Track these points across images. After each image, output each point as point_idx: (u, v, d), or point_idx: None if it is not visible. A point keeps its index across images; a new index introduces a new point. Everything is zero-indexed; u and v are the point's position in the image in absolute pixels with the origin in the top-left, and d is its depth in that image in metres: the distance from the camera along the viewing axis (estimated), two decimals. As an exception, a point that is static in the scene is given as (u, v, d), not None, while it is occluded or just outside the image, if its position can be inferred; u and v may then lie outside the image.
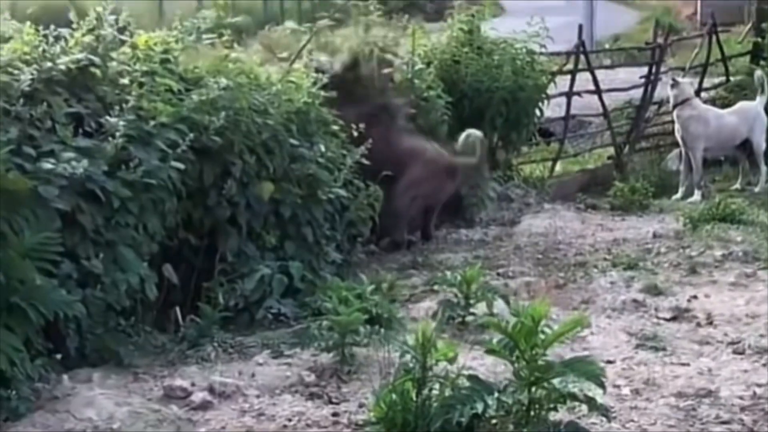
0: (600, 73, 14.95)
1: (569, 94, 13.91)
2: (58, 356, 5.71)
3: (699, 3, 30.65)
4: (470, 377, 4.91)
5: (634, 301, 7.62)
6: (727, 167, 14.51)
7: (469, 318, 7.01)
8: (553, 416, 4.76)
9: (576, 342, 6.56)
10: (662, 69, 15.60)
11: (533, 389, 4.71)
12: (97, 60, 6.65)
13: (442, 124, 10.67)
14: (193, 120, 6.85)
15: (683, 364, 6.34)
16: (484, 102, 11.47)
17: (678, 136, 13.33)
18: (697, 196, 12.69)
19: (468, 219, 10.76)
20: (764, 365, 6.27)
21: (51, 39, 6.58)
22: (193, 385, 5.71)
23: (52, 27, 6.69)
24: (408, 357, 5.03)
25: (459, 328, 6.94)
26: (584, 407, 4.77)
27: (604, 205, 12.12)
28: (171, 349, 6.42)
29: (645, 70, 15.58)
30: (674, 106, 13.28)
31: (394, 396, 4.92)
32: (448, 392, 4.84)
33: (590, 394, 4.63)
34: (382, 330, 6.46)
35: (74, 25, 6.93)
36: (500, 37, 12.09)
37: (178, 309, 6.74)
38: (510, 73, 11.63)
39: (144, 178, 6.26)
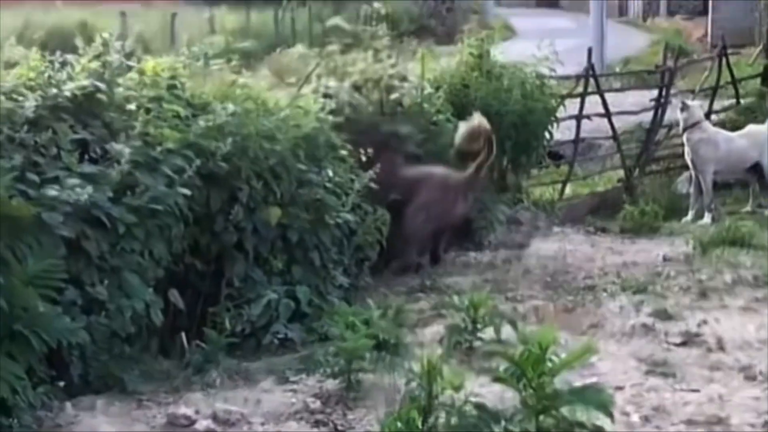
0: (610, 96, 14.92)
1: (579, 117, 13.88)
2: (61, 383, 5.68)
3: (709, 25, 30.70)
4: (477, 405, 4.86)
5: (644, 325, 7.55)
6: (738, 190, 14.44)
7: (477, 343, 6.95)
8: (561, 445, 4.71)
9: (584, 368, 6.49)
10: (672, 92, 15.56)
11: (541, 418, 4.65)
12: (102, 86, 6.64)
13: (451, 148, 10.63)
14: (200, 146, 6.85)
15: (693, 391, 6.26)
16: (493, 126, 11.43)
17: (688, 159, 13.28)
18: (707, 219, 12.63)
19: (477, 242, 10.72)
20: (775, 392, 6.21)
21: (57, 65, 6.58)
22: (197, 412, 5.67)
23: (59, 53, 6.70)
24: (414, 385, 4.99)
25: (466, 353, 6.88)
26: (592, 436, 4.71)
27: (614, 228, 12.06)
28: (176, 376, 6.38)
29: (655, 93, 15.55)
30: (684, 129, 13.24)
31: (399, 424, 4.87)
32: (454, 421, 4.78)
33: (598, 422, 4.58)
34: (389, 356, 6.42)
35: (81, 51, 6.93)
36: (510, 61, 12.07)
37: (183, 335, 6.71)
38: (519, 97, 11.59)
39: (150, 204, 6.25)
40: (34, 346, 5.35)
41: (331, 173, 8.01)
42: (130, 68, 7.21)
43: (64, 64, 6.66)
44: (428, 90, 10.86)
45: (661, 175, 15.59)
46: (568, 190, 14.11)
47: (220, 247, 7.13)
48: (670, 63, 15.69)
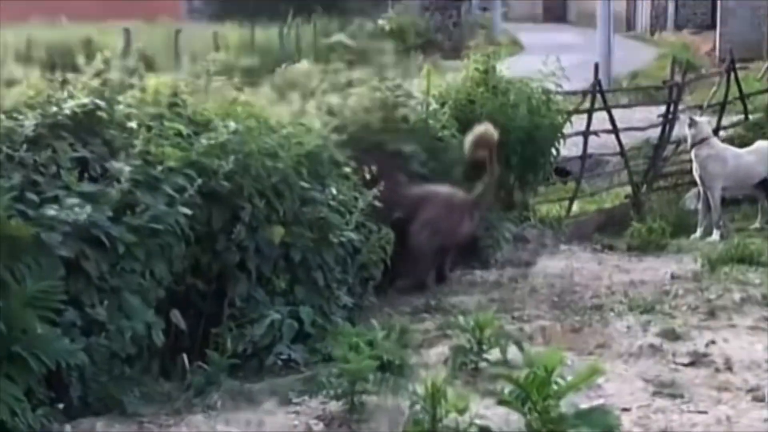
0: (617, 112, 14.88)
1: (586, 134, 13.83)
2: (61, 405, 5.61)
3: (717, 39, 30.67)
4: (481, 429, 4.81)
5: (651, 346, 7.47)
6: (746, 206, 14.38)
7: (483, 364, 6.87)
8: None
9: (591, 389, 6.41)
10: (680, 107, 15.51)
11: (546, 442, 4.60)
12: (103, 104, 6.59)
13: (457, 165, 10.57)
14: (202, 164, 6.79)
15: (701, 412, 6.18)
16: (499, 142, 11.37)
17: (696, 175, 13.24)
18: (716, 235, 12.57)
19: (483, 260, 10.65)
20: (784, 413, 6.13)
21: (57, 83, 6.54)
22: (198, 436, 5.61)
23: (59, 71, 6.66)
24: (418, 407, 4.93)
25: (472, 374, 6.81)
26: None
27: (621, 246, 11.99)
28: (177, 397, 6.30)
29: (662, 108, 15.50)
30: (692, 145, 13.21)
31: (402, 448, 4.81)
32: (458, 444, 4.73)
33: (605, 446, 4.51)
34: (393, 378, 6.34)
35: (82, 69, 6.90)
36: (516, 77, 12.02)
37: (185, 356, 6.63)
38: (526, 113, 11.54)
39: (151, 224, 6.18)
40: (33, 367, 5.30)
41: (334, 191, 7.95)
42: (132, 85, 7.17)
43: (64, 82, 6.61)
44: (433, 106, 10.82)
45: (669, 191, 15.54)
46: (575, 206, 14.06)
47: (221, 266, 7.06)
48: (677, 78, 15.65)
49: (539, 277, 10.04)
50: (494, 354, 6.91)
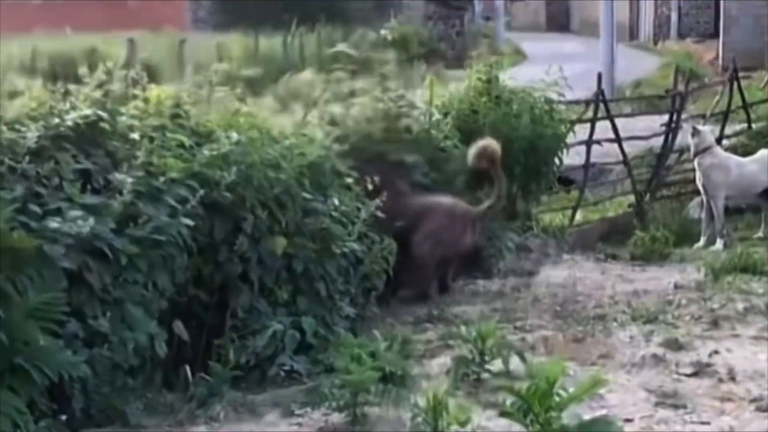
0: (620, 121, 14.87)
1: (589, 143, 13.82)
2: (63, 417, 5.63)
3: (720, 48, 30.67)
4: (483, 440, 4.81)
5: (654, 356, 7.45)
6: (749, 215, 14.36)
7: (485, 375, 6.87)
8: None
9: (594, 399, 6.41)
10: (683, 116, 15.50)
11: (547, 454, 4.59)
12: (105, 115, 6.59)
13: (459, 175, 10.57)
14: (204, 175, 6.80)
15: (704, 423, 6.18)
16: (502, 151, 11.36)
17: (699, 184, 13.22)
18: (719, 244, 12.55)
19: (486, 270, 10.63)
20: (788, 424, 6.12)
21: (60, 95, 6.55)
22: (200, 447, 5.61)
23: (62, 82, 6.67)
24: (419, 419, 4.92)
25: (474, 385, 6.80)
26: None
27: (624, 255, 11.98)
28: (179, 409, 6.30)
29: (666, 117, 15.49)
30: (695, 154, 13.19)
31: (404, 460, 4.81)
32: (459, 457, 4.72)
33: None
34: (395, 389, 6.34)
35: (85, 80, 6.90)
36: (519, 86, 12.02)
37: (187, 367, 6.63)
38: (528, 122, 11.53)
39: (153, 235, 6.19)
40: (36, 379, 5.31)
41: (337, 202, 7.95)
42: (134, 96, 7.18)
43: (66, 93, 6.61)
44: (436, 116, 10.82)
45: (672, 200, 15.51)
46: (578, 216, 14.03)
47: (224, 277, 7.06)
48: (681, 87, 15.64)
49: (542, 286, 10.03)
50: (496, 364, 6.91)
